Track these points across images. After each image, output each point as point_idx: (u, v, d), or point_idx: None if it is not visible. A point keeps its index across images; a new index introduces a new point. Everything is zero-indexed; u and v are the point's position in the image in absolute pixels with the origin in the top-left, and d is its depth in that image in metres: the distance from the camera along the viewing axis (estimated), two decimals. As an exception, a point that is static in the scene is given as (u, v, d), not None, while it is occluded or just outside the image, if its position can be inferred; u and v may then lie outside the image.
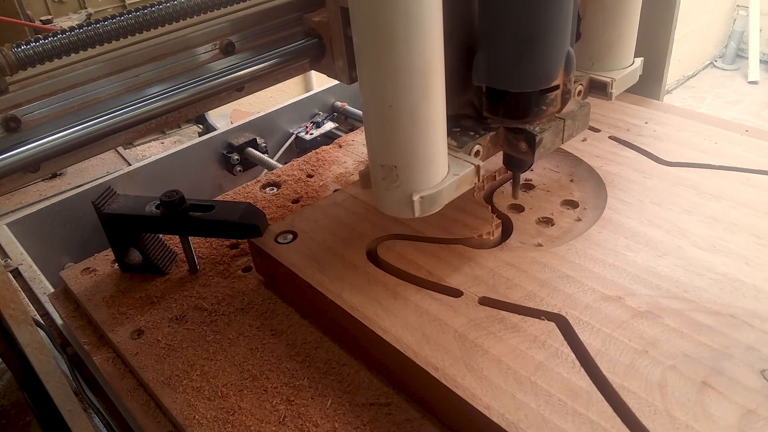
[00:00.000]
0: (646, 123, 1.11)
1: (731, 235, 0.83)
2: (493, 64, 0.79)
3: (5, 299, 0.65)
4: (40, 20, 1.97)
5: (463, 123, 0.84)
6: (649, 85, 1.19)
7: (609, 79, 0.91)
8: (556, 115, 0.83)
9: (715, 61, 5.11)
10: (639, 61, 0.95)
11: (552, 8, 0.74)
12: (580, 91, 0.90)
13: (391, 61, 0.64)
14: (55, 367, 0.71)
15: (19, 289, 1.08)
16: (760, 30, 4.76)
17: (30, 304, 1.06)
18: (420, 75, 0.65)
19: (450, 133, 0.79)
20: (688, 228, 0.85)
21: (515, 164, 0.89)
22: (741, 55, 5.01)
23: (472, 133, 0.82)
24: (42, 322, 1.01)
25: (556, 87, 0.79)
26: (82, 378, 0.92)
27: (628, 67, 0.94)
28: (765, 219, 0.85)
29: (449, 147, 0.77)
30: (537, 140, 0.80)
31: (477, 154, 0.82)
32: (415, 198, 0.71)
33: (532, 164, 0.91)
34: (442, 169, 0.74)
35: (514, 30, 0.75)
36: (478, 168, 0.77)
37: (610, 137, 1.08)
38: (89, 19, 1.89)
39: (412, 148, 0.69)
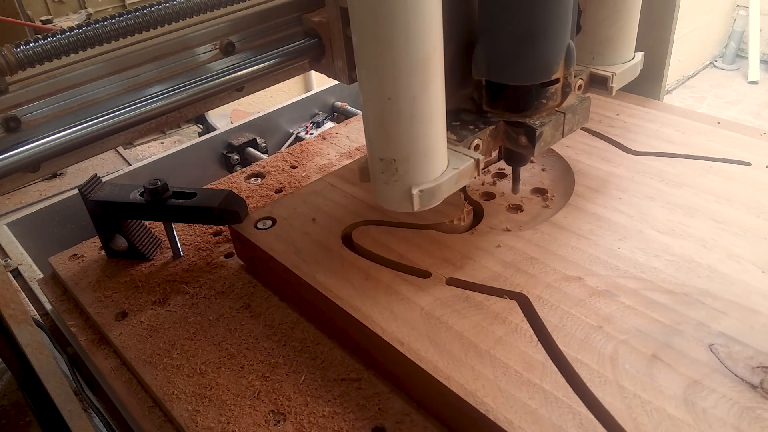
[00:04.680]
0: (617, 115, 1.15)
1: (691, 219, 0.87)
2: (492, 57, 0.79)
3: (5, 299, 0.66)
4: (40, 20, 1.98)
5: (463, 117, 0.84)
6: (649, 85, 1.20)
7: (609, 73, 0.91)
8: (557, 108, 0.83)
9: (715, 61, 5.13)
10: (639, 55, 0.96)
11: (552, 3, 0.74)
12: (580, 86, 0.91)
13: (390, 53, 0.64)
14: (55, 367, 0.72)
15: (19, 289, 1.10)
16: (760, 30, 4.78)
17: (30, 304, 1.07)
18: (419, 67, 0.65)
19: (449, 127, 0.79)
20: (650, 213, 0.89)
21: (515, 159, 0.90)
22: (741, 55, 5.04)
23: (471, 127, 0.82)
24: (42, 322, 1.03)
25: (557, 80, 0.80)
26: (82, 378, 0.93)
27: (628, 62, 0.94)
28: (724, 205, 0.89)
29: (449, 141, 0.76)
30: (537, 134, 0.80)
31: (477, 148, 0.81)
32: (414, 192, 0.71)
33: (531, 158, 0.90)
34: (441, 162, 0.74)
35: (514, 24, 0.75)
36: (477, 162, 0.76)
37: (581, 128, 1.12)
38: (89, 19, 1.91)
39: (411, 142, 0.69)
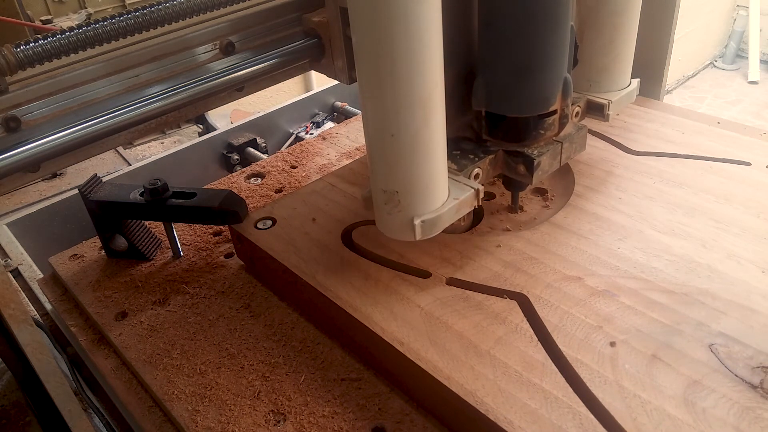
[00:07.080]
0: (617, 115, 1.15)
1: (690, 219, 0.87)
2: (492, 89, 0.81)
3: (5, 299, 0.66)
4: (40, 20, 1.98)
5: (463, 146, 0.86)
6: (649, 85, 1.20)
7: (606, 101, 0.93)
8: (554, 138, 0.85)
9: (715, 61, 5.13)
10: (636, 82, 0.98)
11: (549, 39, 0.76)
12: (577, 113, 0.92)
13: (392, 93, 0.66)
14: (55, 367, 0.72)
15: (19, 289, 1.10)
16: (760, 30, 4.77)
17: (30, 304, 1.08)
18: (421, 106, 0.67)
19: (450, 156, 0.81)
20: (650, 213, 0.89)
21: (514, 185, 0.91)
22: (741, 55, 5.03)
23: (471, 156, 0.84)
24: (42, 322, 1.03)
25: (554, 112, 0.81)
26: (82, 378, 0.93)
27: (624, 89, 0.96)
28: (724, 204, 0.89)
29: (449, 170, 0.78)
30: (535, 163, 0.82)
31: (476, 177, 0.83)
32: (416, 222, 0.73)
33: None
34: (442, 193, 0.75)
35: (512, 59, 0.77)
36: (477, 191, 0.78)
37: (582, 128, 1.12)
38: (89, 19, 1.91)
39: (413, 175, 0.71)
